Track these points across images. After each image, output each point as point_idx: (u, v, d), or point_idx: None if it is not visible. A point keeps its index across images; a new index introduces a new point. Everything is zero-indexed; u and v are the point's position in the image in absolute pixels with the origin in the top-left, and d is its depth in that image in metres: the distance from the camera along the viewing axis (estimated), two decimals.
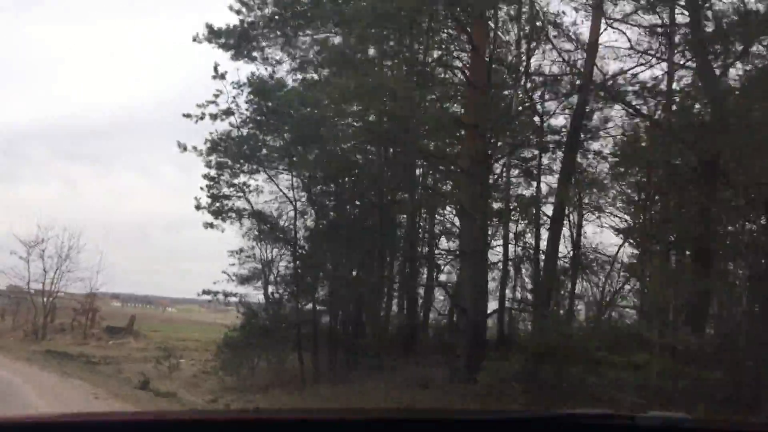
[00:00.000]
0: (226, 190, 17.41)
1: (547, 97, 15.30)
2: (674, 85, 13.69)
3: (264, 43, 17.99)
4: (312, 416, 3.14)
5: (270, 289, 17.80)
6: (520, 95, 15.04)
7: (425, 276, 18.22)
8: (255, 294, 18.14)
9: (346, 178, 17.21)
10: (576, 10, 14.18)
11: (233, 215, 17.28)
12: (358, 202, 17.88)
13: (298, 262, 17.46)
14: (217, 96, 16.92)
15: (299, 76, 18.49)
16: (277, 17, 17.24)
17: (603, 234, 18.58)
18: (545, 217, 15.23)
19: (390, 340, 16.42)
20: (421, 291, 18.13)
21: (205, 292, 17.46)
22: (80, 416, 2.69)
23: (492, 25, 15.45)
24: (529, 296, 15.61)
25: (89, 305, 31.80)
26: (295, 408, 8.25)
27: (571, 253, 15.36)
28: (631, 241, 15.21)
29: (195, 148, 17.13)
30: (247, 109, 17.09)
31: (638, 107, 14.03)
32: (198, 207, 17.18)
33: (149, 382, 13.02)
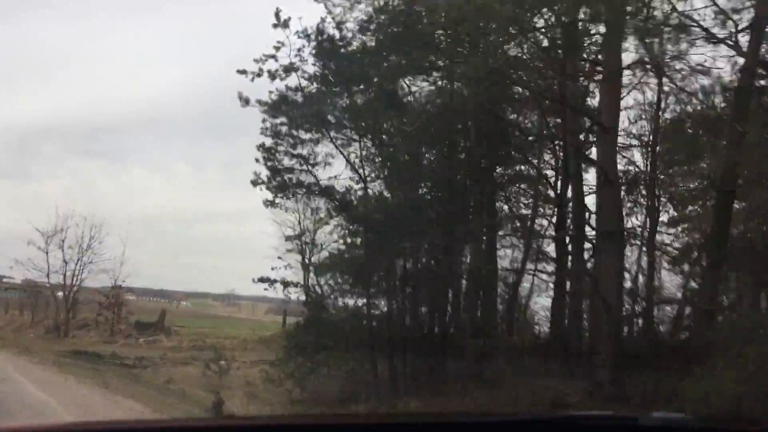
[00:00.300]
0: (287, 162, 14.49)
1: None
2: None
3: None
4: (317, 421, 3.25)
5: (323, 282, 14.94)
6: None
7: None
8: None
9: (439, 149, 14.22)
10: None
11: (299, 191, 14.37)
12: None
13: (369, 248, 14.44)
14: (278, 49, 13.98)
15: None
16: None
17: None
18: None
19: (496, 344, 13.39)
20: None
21: (261, 280, 14.51)
22: (80, 425, 2.72)
23: None
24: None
25: (115, 299, 29.26)
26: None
27: None
28: None
29: (260, 101, 14.22)
30: (314, 64, 14.15)
31: None
32: (255, 183, 14.27)
33: (223, 403, 10.09)
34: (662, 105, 14.17)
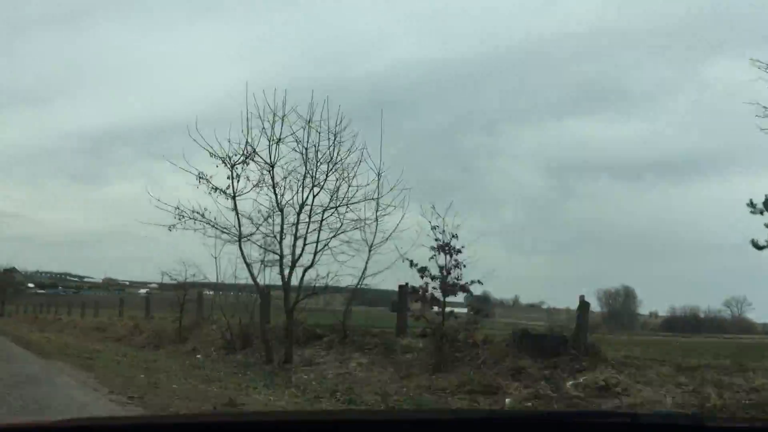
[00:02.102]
0: None
1: None
2: None
3: None
4: (306, 417, 3.07)
5: None
6: None
7: None
8: None
9: None
10: None
11: None
12: None
13: None
14: None
15: None
16: None
17: None
18: None
19: None
20: None
21: None
22: (78, 421, 2.62)
23: None
24: None
25: None
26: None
27: None
28: None
29: None
30: None
31: None
32: None
33: None
34: None
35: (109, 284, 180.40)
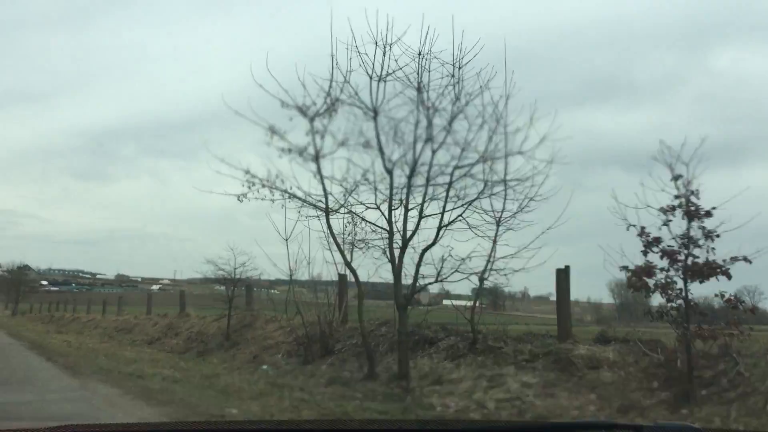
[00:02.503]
0: None
1: None
2: None
3: None
4: (312, 427, 3.32)
5: None
6: None
7: None
8: None
9: None
10: None
11: None
12: None
13: None
14: None
15: None
16: None
17: None
18: None
19: None
20: None
21: None
22: (74, 428, 2.58)
23: None
24: None
25: None
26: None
27: None
28: None
29: None
30: None
31: None
32: None
33: None
34: None
35: (122, 281, 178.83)
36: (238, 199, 9.41)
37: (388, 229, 9.68)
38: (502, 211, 9.39)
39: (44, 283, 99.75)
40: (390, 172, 9.55)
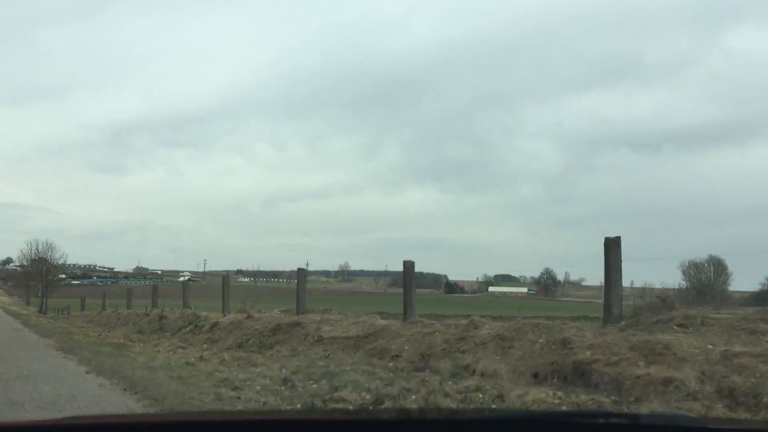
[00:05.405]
0: None
1: None
2: None
3: None
4: (307, 417, 3.19)
5: None
6: None
7: None
8: None
9: None
10: None
11: None
12: None
13: None
14: None
15: None
16: None
17: None
18: None
19: None
20: None
21: None
22: (76, 419, 2.63)
23: None
24: None
25: None
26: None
27: None
28: None
29: None
30: None
31: None
32: None
33: None
34: None
35: (143, 273, 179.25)
36: None
37: None
38: None
39: (62, 276, 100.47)
40: None
